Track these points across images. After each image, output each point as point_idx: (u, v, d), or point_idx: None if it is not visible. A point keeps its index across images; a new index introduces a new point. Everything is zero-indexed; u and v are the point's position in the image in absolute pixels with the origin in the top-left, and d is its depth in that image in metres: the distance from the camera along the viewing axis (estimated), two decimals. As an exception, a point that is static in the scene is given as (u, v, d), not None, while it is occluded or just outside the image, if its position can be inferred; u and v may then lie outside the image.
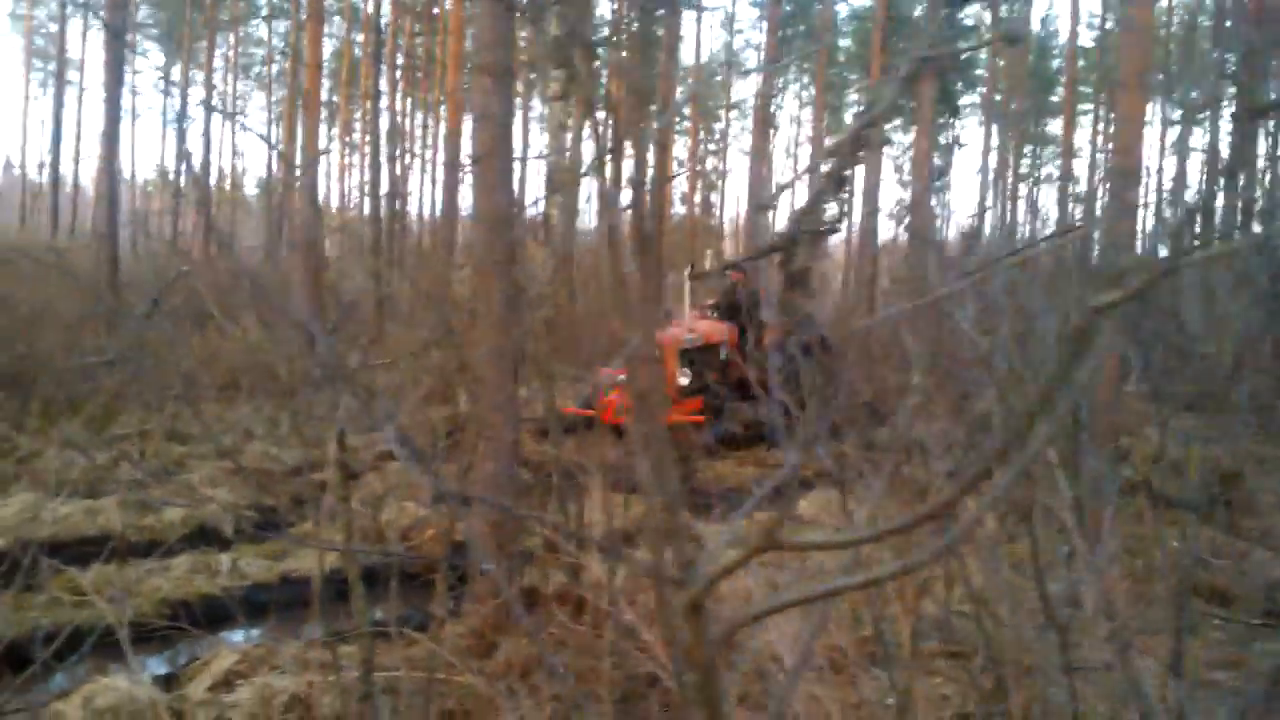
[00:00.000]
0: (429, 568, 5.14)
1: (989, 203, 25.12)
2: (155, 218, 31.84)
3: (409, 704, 3.67)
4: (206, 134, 24.89)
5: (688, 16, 25.19)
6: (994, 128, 27.17)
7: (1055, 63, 33.33)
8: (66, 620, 5.25)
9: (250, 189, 30.23)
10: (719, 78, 30.77)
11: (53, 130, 30.23)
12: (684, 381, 10.00)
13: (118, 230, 15.00)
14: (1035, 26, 29.97)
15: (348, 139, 25.28)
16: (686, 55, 38.94)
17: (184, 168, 27.63)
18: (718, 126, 31.57)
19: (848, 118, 34.00)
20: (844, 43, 30.63)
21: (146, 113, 79.60)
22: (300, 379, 11.30)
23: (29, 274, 13.90)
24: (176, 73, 30.86)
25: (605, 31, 23.35)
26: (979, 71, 29.63)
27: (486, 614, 4.63)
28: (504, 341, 4.91)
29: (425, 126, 29.23)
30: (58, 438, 8.81)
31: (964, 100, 31.98)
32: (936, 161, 26.92)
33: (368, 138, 22.83)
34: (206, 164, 24.01)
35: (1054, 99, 32.86)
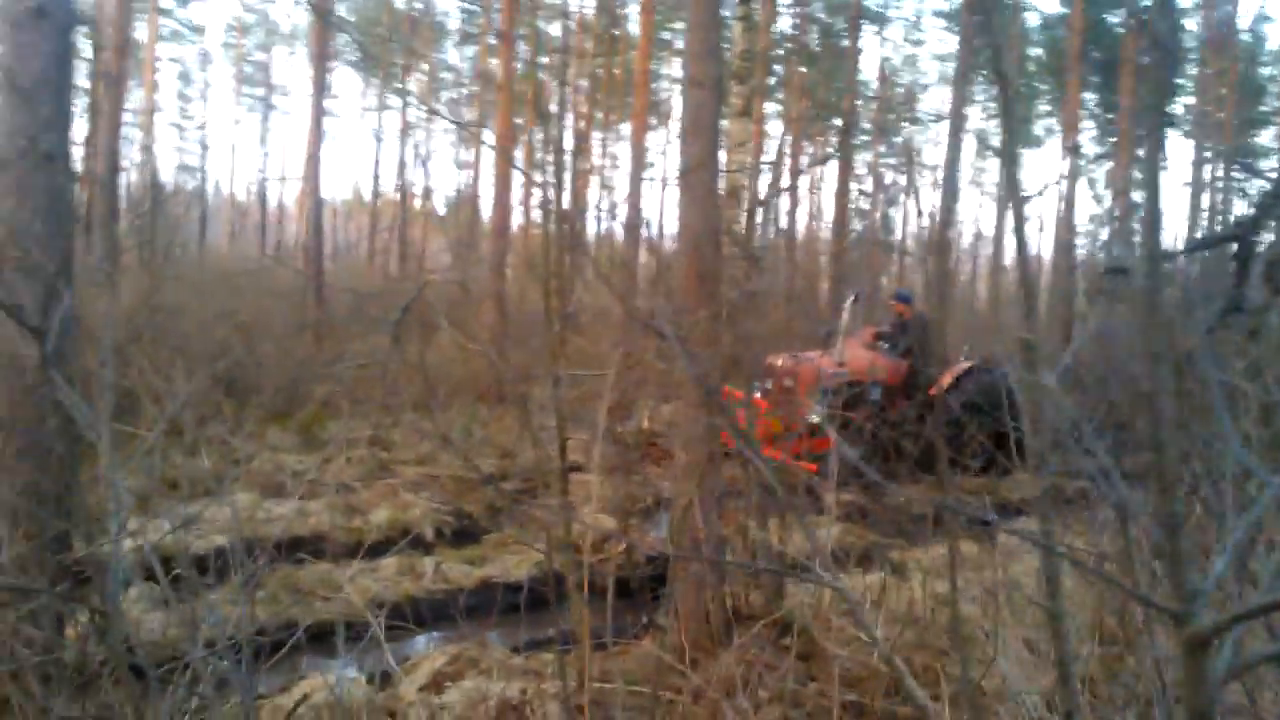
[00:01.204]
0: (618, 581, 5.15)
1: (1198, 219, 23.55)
2: (351, 235, 33.70)
3: (620, 716, 3.65)
4: (401, 156, 26.15)
5: (869, 29, 24.73)
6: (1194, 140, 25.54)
7: (1267, 70, 31.05)
8: (285, 617, 5.55)
9: (440, 208, 31.53)
10: (900, 89, 30.11)
11: (261, 153, 32.40)
12: (814, 419, 8.71)
13: (322, 247, 15.91)
14: (1244, 30, 27.93)
15: (531, 158, 26.01)
16: (868, 69, 38.35)
17: (375, 188, 29.12)
18: (897, 140, 30.86)
19: (1037, 129, 32.67)
20: (1035, 51, 29.38)
21: (343, 136, 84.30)
22: (490, 391, 11.68)
23: (243, 288, 14.91)
24: (372, 98, 32.64)
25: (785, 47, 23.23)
26: (1182, 81, 27.90)
27: (690, 630, 4.58)
28: (710, 356, 4.87)
29: (605, 145, 29.83)
30: (271, 441, 9.37)
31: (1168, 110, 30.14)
32: (1137, 175, 25.47)
33: (549, 157, 23.43)
34: (402, 184, 25.17)
35: (1264, 108, 30.61)
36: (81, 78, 21.11)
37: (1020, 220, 1.49)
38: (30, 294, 3.23)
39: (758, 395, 8.90)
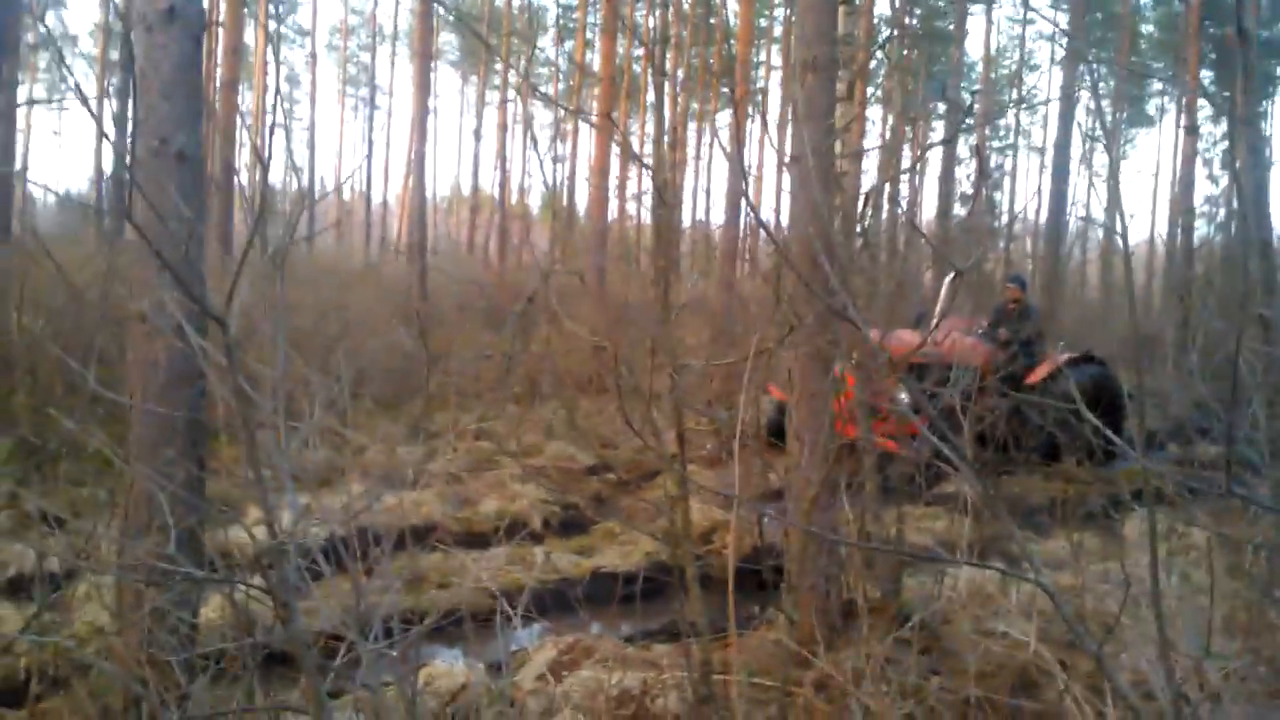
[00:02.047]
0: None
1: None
2: (453, 230, 34.30)
3: (745, 708, 3.60)
4: (501, 151, 26.49)
5: (976, 8, 24.07)
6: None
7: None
8: (404, 605, 5.65)
9: (537, 202, 31.92)
10: (1007, 71, 29.28)
11: (365, 152, 33.22)
12: (902, 398, 8.25)
13: (426, 243, 16.20)
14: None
15: (627, 150, 26.09)
16: (974, 48, 37.39)
17: (474, 183, 29.58)
18: (1003, 122, 30.02)
19: (1150, 109, 31.43)
20: (1147, 29, 28.28)
21: (442, 134, 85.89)
22: (592, 382, 11.74)
23: (350, 283, 15.29)
24: (473, 94, 33.15)
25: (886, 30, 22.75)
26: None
27: (808, 621, 4.51)
28: (821, 346, 4.78)
29: (699, 134, 29.70)
30: (380, 433, 9.57)
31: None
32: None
33: (648, 149, 23.47)
34: (504, 180, 25.52)
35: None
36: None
37: (1264, 190, 1.38)
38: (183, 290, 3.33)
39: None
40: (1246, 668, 3.55)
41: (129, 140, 3.81)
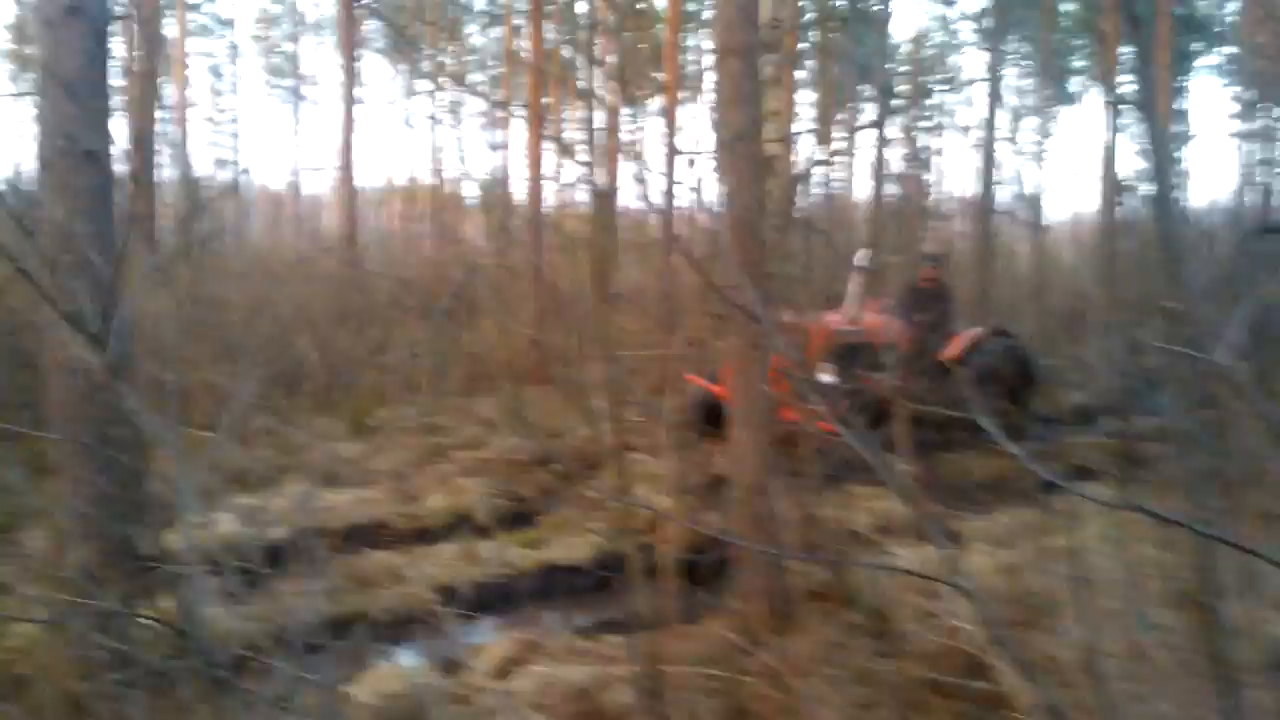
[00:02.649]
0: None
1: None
2: (387, 222, 33.75)
3: (695, 699, 3.60)
4: (432, 141, 26.13)
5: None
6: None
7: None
8: (349, 606, 5.55)
9: (472, 192, 31.56)
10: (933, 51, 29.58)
11: (293, 144, 32.57)
12: (825, 379, 8.35)
13: (358, 235, 15.94)
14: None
15: (559, 138, 25.93)
16: (900, 31, 37.75)
17: (409, 175, 29.13)
18: (930, 103, 30.34)
19: (1072, 85, 31.97)
20: (1067, 7, 28.73)
21: (370, 122, 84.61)
22: (535, 373, 11.64)
23: (283, 278, 14.95)
24: (401, 85, 32.59)
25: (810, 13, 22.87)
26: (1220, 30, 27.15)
27: (756, 610, 4.51)
28: (757, 335, 4.76)
29: (634, 120, 29.57)
30: (321, 431, 9.39)
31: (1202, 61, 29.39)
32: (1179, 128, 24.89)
33: (581, 136, 23.30)
34: (436, 170, 25.17)
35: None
36: (116, 76, 21.27)
37: (1165, 175, 1.37)
38: (85, 296, 3.20)
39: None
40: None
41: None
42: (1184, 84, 29.25)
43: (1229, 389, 1.53)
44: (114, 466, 3.15)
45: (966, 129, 30.40)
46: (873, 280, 10.36)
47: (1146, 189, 18.58)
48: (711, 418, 8.53)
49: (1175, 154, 22.97)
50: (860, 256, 10.13)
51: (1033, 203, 21.46)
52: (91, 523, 2.47)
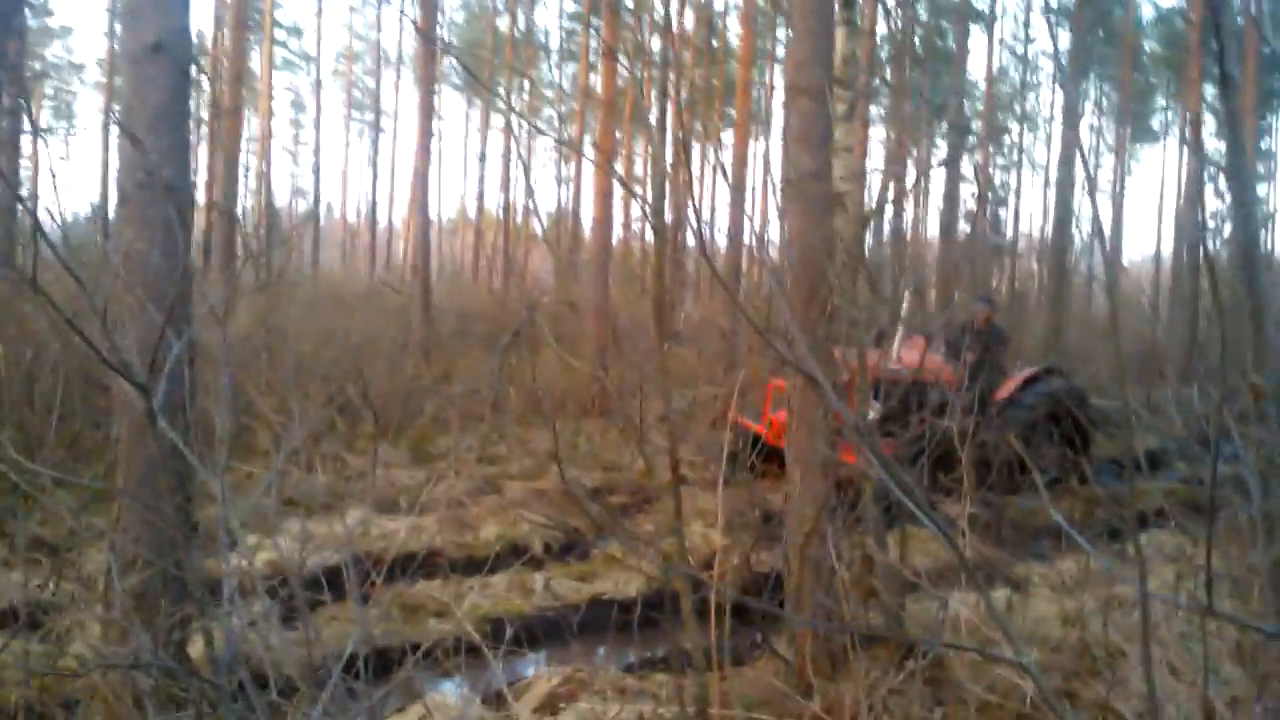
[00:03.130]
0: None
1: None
2: (457, 254, 34.35)
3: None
4: (504, 174, 26.56)
5: (977, 28, 24.08)
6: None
7: None
8: (400, 634, 5.59)
9: (542, 225, 31.97)
10: (1008, 88, 29.31)
11: (370, 176, 33.39)
12: (870, 416, 7.92)
13: (429, 267, 16.20)
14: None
15: (630, 172, 26.18)
16: (977, 68, 37.42)
17: (479, 207, 29.63)
18: (1007, 138, 30.01)
19: (1154, 124, 31.40)
20: (1150, 44, 28.28)
21: (450, 157, 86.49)
22: (595, 406, 11.68)
23: (354, 307, 15.28)
24: (477, 118, 33.26)
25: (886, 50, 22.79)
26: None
27: (809, 651, 4.43)
28: (820, 369, 4.71)
29: (703, 157, 29.72)
30: (383, 458, 9.52)
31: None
32: (1261, 169, 24.19)
33: (649, 171, 23.46)
34: (507, 203, 25.54)
35: None
36: (200, 108, 22.06)
37: (1254, 249, 1.33)
38: (148, 331, 3.28)
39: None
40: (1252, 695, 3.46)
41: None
42: (1271, 123, 28.52)
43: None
44: (167, 495, 3.22)
45: (1043, 168, 29.98)
46: (917, 318, 10.23)
47: (1227, 234, 18.09)
48: (758, 459, 8.51)
49: (1260, 199, 22.32)
50: (906, 291, 10.14)
51: (1109, 243, 21.00)
52: (142, 550, 2.52)
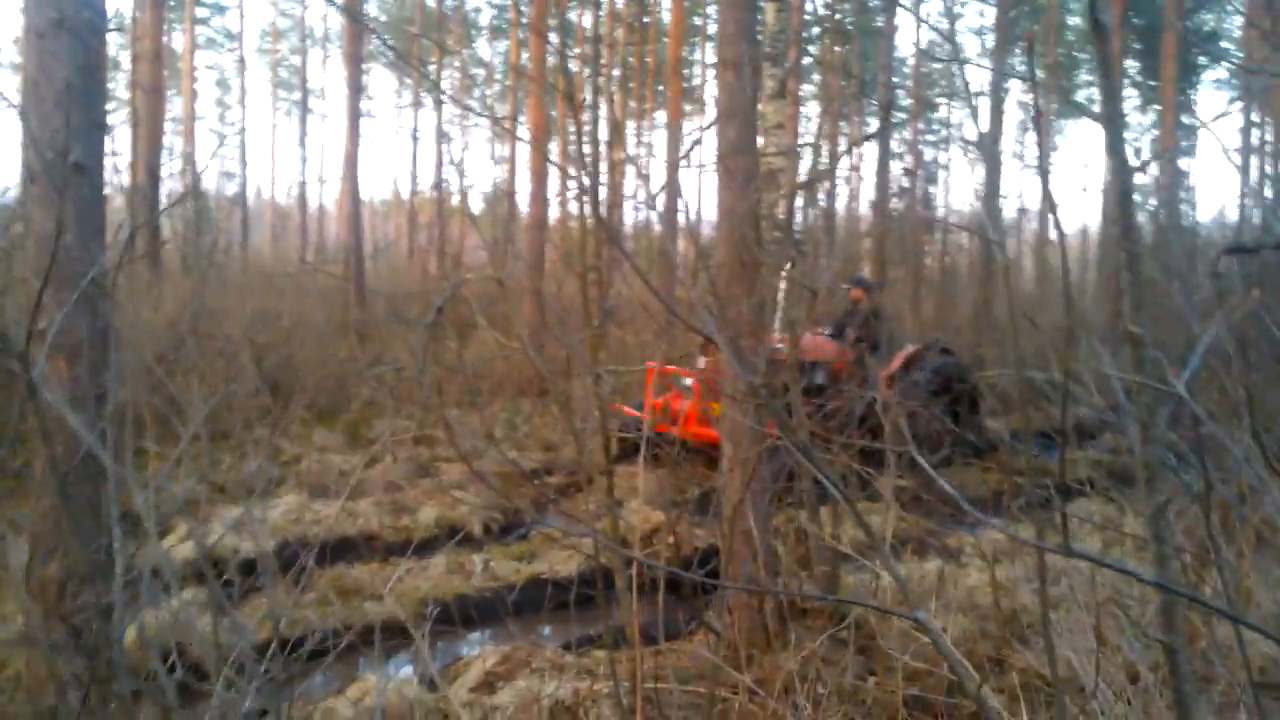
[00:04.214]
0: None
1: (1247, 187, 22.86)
2: (390, 235, 33.87)
3: (677, 716, 3.57)
4: (438, 154, 26.23)
5: (904, 4, 24.29)
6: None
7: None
8: (334, 617, 5.53)
9: (476, 205, 31.63)
10: (938, 65, 29.60)
11: (300, 156, 32.76)
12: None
13: (362, 248, 15.97)
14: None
15: (565, 151, 25.99)
16: (904, 45, 37.80)
17: (412, 187, 29.19)
18: (936, 116, 30.41)
19: (1079, 98, 31.99)
20: (1073, 20, 28.79)
21: (380, 137, 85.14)
22: (532, 386, 11.63)
23: (285, 290, 15.00)
24: (407, 98, 32.75)
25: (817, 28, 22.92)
26: (1227, 44, 27.15)
27: (743, 626, 4.48)
28: (752, 346, 4.74)
29: (638, 135, 29.67)
30: (317, 442, 9.39)
31: (1211, 75, 29.43)
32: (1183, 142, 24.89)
33: (585, 148, 23.32)
34: (439, 182, 25.23)
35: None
36: (122, 88, 21.42)
37: (1127, 191, 1.36)
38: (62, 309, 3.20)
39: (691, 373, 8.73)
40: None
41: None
42: (1190, 97, 29.22)
43: (1189, 415, 1.52)
44: (81, 482, 3.14)
45: (970, 143, 30.42)
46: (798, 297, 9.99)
47: (1122, 205, 18.60)
48: (636, 445, 8.60)
49: (1179, 168, 22.92)
50: (783, 271, 9.75)
51: (1037, 217, 21.48)
52: (59, 538, 2.45)
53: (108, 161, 5.36)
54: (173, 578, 2.04)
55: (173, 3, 26.74)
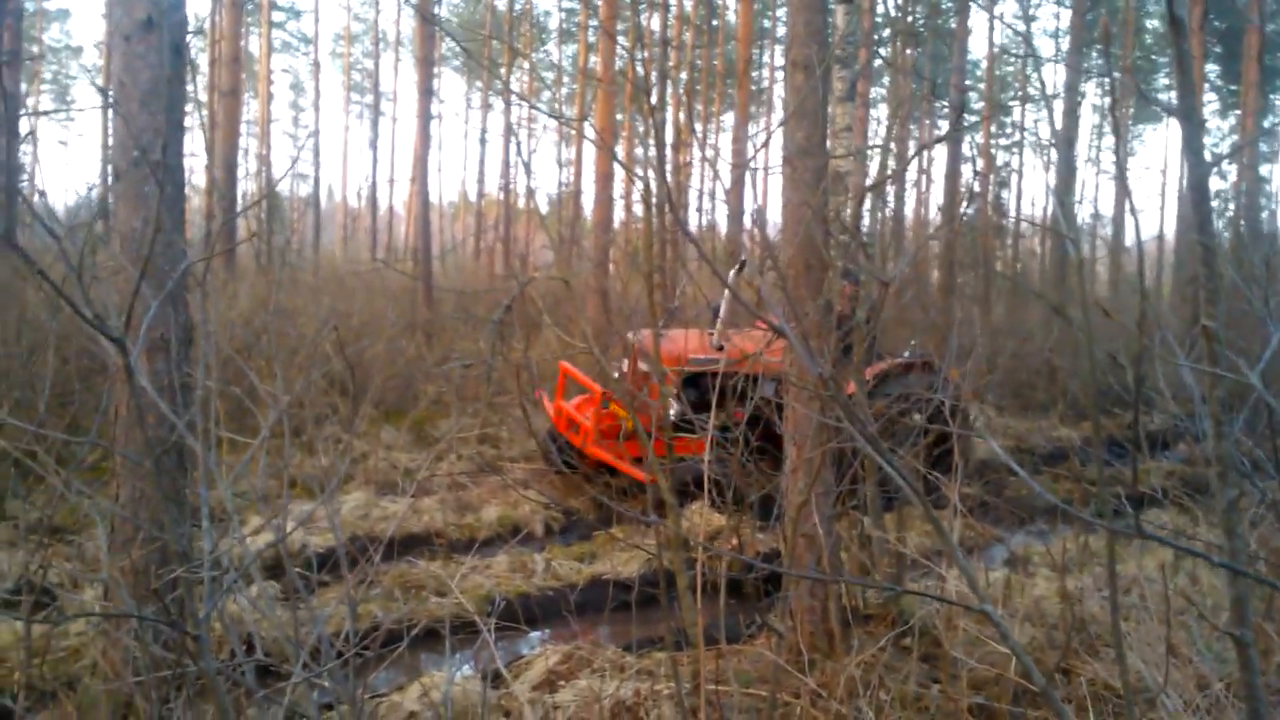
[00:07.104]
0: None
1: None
2: (458, 235, 34.31)
3: (738, 719, 3.55)
4: (505, 155, 26.49)
5: (977, 6, 23.94)
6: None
7: None
8: (401, 612, 5.61)
9: (542, 206, 31.90)
10: (1011, 68, 29.15)
11: (371, 158, 33.27)
12: (671, 414, 7.07)
13: (430, 249, 16.19)
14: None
15: (631, 152, 26.08)
16: (977, 47, 37.20)
17: (480, 189, 29.55)
18: (1009, 119, 29.89)
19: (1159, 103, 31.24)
20: (1152, 23, 28.14)
21: (447, 140, 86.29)
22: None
23: (355, 289, 15.27)
24: (478, 100, 33.15)
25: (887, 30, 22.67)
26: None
27: (805, 630, 4.45)
28: (820, 347, 4.71)
29: (705, 137, 29.64)
30: (384, 440, 9.54)
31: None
32: (1264, 147, 24.12)
33: (651, 151, 23.38)
34: (508, 185, 25.48)
35: None
36: (199, 91, 22.00)
37: (1203, 187, 1.33)
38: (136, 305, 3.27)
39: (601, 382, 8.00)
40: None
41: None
42: (1275, 102, 28.37)
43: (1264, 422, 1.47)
44: (163, 473, 3.23)
45: (1045, 144, 29.85)
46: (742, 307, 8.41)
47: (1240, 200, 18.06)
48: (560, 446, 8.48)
49: (1259, 173, 22.21)
50: (733, 270, 8.56)
51: (1111, 222, 20.98)
52: (139, 528, 2.52)
53: (185, 162, 5.50)
54: (254, 565, 2.08)
55: (250, 7, 27.40)
